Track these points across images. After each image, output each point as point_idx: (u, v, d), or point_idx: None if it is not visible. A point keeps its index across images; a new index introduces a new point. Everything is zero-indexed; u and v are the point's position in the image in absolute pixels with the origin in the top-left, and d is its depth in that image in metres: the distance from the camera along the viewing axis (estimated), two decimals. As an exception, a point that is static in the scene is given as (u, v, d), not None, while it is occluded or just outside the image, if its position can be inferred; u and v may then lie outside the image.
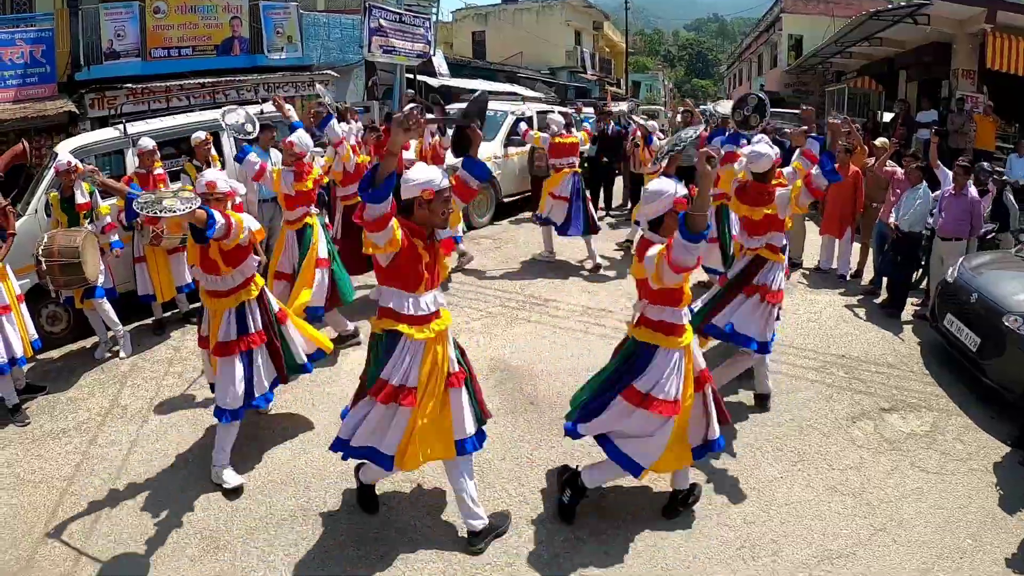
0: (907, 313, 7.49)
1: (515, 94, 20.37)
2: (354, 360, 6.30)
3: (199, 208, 3.88)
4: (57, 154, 6.89)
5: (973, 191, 7.28)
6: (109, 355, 6.63)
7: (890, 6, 16.85)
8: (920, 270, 8.13)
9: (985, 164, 8.28)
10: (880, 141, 9.19)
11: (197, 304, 7.41)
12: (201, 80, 13.26)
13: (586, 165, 12.20)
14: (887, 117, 16.72)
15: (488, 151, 11.39)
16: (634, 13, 54.03)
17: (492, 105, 13.25)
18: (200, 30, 13.79)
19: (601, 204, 12.68)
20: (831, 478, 4.55)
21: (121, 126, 7.67)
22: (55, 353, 6.77)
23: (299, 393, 5.66)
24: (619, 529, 4.04)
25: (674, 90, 67.73)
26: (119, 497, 4.44)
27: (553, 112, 11.26)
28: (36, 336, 5.85)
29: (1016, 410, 5.27)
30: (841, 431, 5.12)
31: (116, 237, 6.65)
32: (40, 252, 5.86)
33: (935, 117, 14.04)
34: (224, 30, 14.05)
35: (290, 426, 5.19)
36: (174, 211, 3.77)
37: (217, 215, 4.02)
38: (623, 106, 15.51)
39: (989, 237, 8.19)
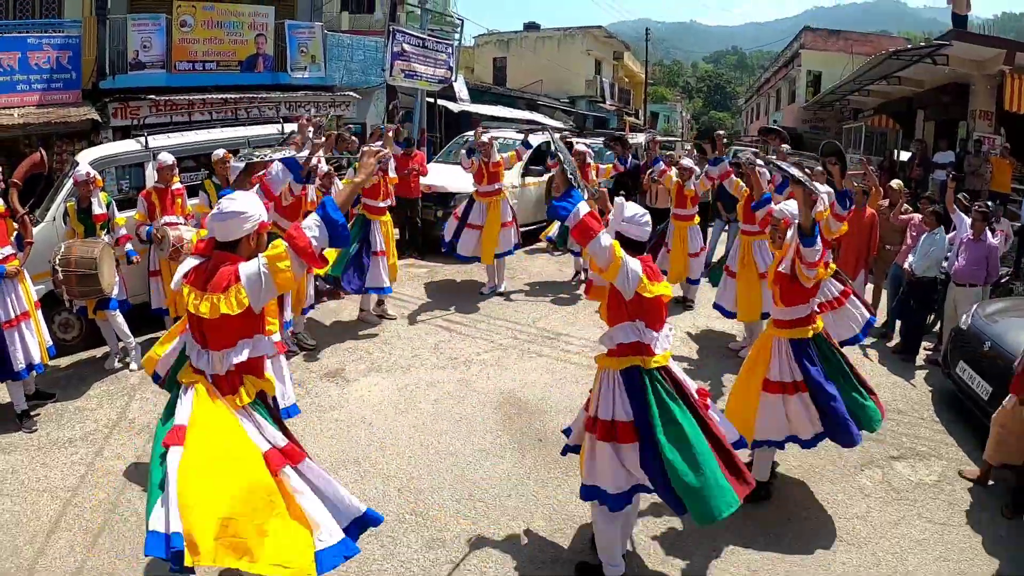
0: (920, 358, 7.44)
1: (534, 122, 20.46)
2: (363, 386, 6.30)
3: None
4: (78, 163, 6.96)
5: (991, 237, 7.25)
6: (119, 366, 6.67)
7: (909, 46, 16.95)
8: (933, 314, 8.07)
9: (989, 203, 8.21)
10: (895, 183, 9.16)
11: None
12: (224, 95, 13.41)
13: None
14: (904, 156, 16.75)
15: (505, 180, 11.43)
16: (654, 44, 54.32)
17: (507, 134, 13.28)
18: (225, 45, 13.97)
19: None
20: (837, 528, 4.49)
21: (143, 139, 7.74)
22: (64, 361, 6.80)
23: (306, 419, 5.61)
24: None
25: (691, 121, 67.87)
26: (122, 511, 4.43)
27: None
28: (51, 343, 5.87)
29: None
30: (849, 479, 5.07)
31: (131, 246, 6.72)
32: (57, 262, 5.90)
33: (952, 158, 14.05)
34: (249, 47, 14.22)
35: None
36: None
37: None
38: (640, 137, 15.50)
39: (1003, 282, 8.14)
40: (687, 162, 8.69)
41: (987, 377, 5.78)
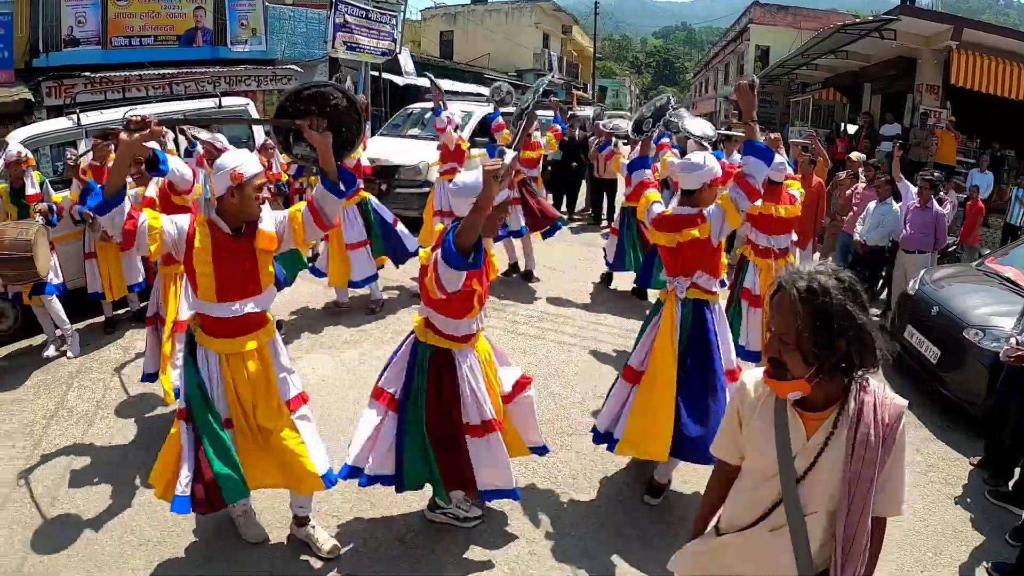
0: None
1: (480, 95, 20.26)
2: (307, 364, 6.15)
3: None
4: (7, 144, 6.65)
5: (937, 205, 7.36)
6: (56, 354, 6.39)
7: (857, 20, 17.10)
8: (881, 281, 8.19)
9: (936, 173, 8.35)
10: (856, 155, 9.27)
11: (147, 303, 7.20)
12: (161, 71, 12.96)
13: (549, 168, 12.13)
14: (851, 129, 16.97)
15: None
16: (603, 18, 54.28)
17: (456, 106, 13.01)
18: (162, 19, 13.47)
19: (564, 208, 12.72)
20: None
21: (75, 116, 7.43)
22: (1, 352, 6.53)
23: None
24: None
25: (640, 96, 68.12)
26: (62, 504, 4.25)
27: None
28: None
29: (978, 425, 5.30)
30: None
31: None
32: (-10, 246, 5.63)
33: (898, 130, 14.29)
34: (187, 20, 13.74)
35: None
36: None
37: None
38: (588, 111, 15.45)
39: (951, 250, 8.29)
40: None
41: (935, 340, 5.89)
